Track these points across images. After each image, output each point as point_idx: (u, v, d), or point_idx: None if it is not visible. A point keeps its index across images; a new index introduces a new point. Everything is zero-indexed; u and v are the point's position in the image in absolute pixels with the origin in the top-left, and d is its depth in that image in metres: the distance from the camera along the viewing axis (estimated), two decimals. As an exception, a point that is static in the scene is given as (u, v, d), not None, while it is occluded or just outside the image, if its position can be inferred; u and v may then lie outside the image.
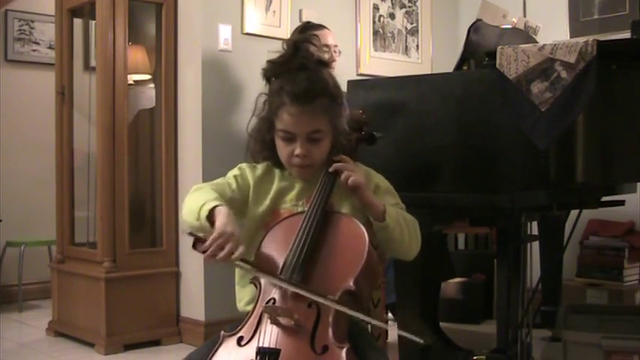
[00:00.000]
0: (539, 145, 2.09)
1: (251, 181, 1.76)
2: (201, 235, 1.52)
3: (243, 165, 1.80)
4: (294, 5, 3.87)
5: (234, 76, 3.61)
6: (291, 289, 1.49)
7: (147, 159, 3.82)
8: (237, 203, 1.73)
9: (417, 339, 1.43)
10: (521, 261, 2.51)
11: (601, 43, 2.10)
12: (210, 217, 1.55)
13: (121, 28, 3.54)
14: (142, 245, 3.69)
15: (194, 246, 1.50)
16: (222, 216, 1.54)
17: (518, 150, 2.16)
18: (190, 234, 1.52)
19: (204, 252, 1.48)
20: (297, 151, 1.66)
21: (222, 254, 1.47)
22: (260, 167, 1.79)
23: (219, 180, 1.77)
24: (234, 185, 1.74)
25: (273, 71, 1.72)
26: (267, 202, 1.73)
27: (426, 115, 2.29)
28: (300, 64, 1.68)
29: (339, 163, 1.69)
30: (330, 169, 1.69)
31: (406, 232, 1.67)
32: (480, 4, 2.80)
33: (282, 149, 1.70)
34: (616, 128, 2.30)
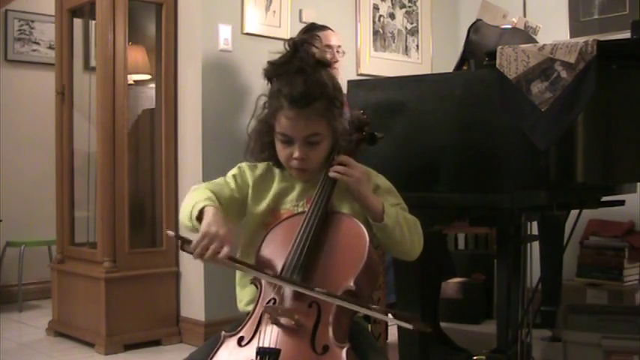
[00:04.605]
0: (539, 145, 2.08)
1: (250, 181, 1.76)
2: (186, 237, 1.53)
3: (243, 164, 1.80)
4: (294, 5, 3.86)
5: (234, 76, 3.60)
6: (281, 283, 1.51)
7: (147, 159, 3.82)
8: (237, 203, 1.73)
9: (408, 325, 1.43)
10: (521, 261, 2.51)
11: (601, 43, 2.09)
12: (200, 217, 1.57)
13: (121, 28, 3.53)
14: (142, 245, 3.69)
15: (182, 247, 1.52)
16: (207, 216, 1.55)
17: (518, 150, 2.15)
18: (175, 236, 1.53)
19: (191, 253, 1.50)
20: (296, 154, 1.66)
21: (207, 255, 1.48)
22: (260, 167, 1.79)
23: (219, 180, 1.77)
24: (232, 185, 1.74)
25: (273, 72, 1.71)
26: (266, 202, 1.73)
27: (426, 115, 2.28)
28: (298, 66, 1.66)
29: (335, 171, 1.67)
30: (330, 174, 1.68)
31: (407, 232, 1.66)
32: (479, 4, 2.81)
33: (281, 151, 1.70)
34: (616, 128, 2.30)
